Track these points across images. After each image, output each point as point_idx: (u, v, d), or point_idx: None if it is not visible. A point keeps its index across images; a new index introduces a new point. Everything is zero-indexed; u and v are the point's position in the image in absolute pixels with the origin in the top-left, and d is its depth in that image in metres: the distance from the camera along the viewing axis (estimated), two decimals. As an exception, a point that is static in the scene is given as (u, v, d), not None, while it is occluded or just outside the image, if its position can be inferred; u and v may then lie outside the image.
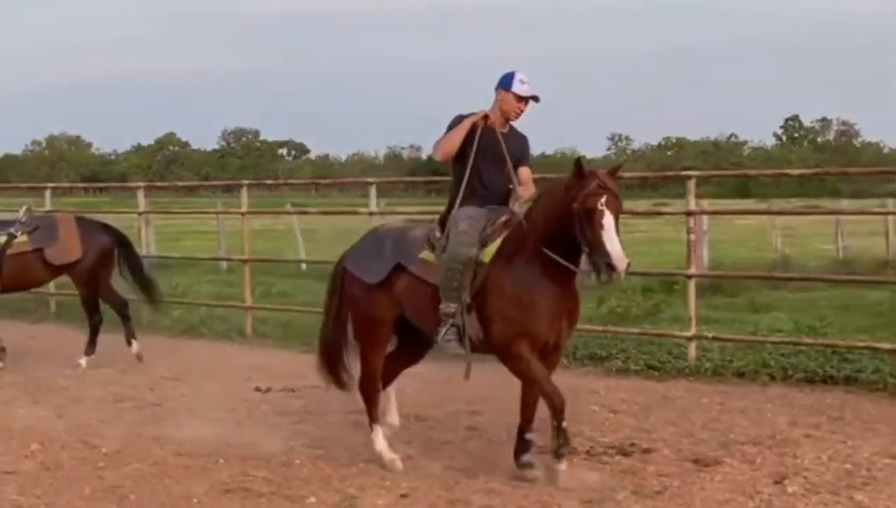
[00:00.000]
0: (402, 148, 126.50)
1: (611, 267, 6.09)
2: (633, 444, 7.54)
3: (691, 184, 10.67)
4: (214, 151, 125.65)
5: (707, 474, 6.82)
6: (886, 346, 9.69)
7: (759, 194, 59.18)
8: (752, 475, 6.76)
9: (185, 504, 6.55)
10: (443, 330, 6.78)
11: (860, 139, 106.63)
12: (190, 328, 13.87)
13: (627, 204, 6.64)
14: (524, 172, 7.08)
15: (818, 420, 8.17)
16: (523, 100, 6.99)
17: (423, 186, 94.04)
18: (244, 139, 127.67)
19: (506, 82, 7.00)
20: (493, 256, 6.69)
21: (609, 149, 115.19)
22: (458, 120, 7.01)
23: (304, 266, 20.45)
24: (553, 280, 6.49)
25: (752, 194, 59.59)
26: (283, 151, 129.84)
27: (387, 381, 7.52)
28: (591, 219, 6.16)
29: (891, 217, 22.44)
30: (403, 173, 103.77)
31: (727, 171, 55.44)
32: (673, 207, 18.37)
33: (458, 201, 6.96)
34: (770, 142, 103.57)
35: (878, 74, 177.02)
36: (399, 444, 7.55)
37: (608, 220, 6.15)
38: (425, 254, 6.99)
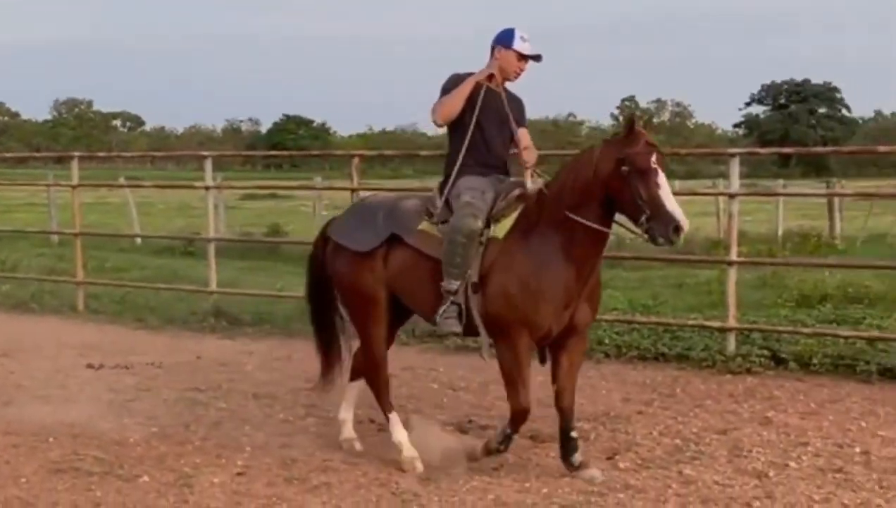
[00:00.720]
0: (241, 121, 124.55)
1: (677, 229, 5.65)
2: (471, 421, 7.60)
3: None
4: (46, 121, 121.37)
5: (542, 450, 6.90)
6: (716, 324, 9.99)
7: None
8: (586, 450, 6.88)
9: (13, 484, 6.33)
10: (443, 308, 6.22)
11: (693, 120, 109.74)
12: (20, 303, 13.46)
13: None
14: (525, 134, 6.61)
15: (650, 397, 8.37)
16: (524, 59, 6.49)
17: (261, 161, 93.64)
18: (77, 110, 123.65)
19: (506, 39, 6.47)
20: (507, 232, 6.18)
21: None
22: (456, 80, 6.44)
23: (138, 241, 20.08)
24: (574, 258, 5.97)
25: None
26: (118, 122, 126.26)
27: (355, 375, 7.04)
28: (647, 179, 5.68)
29: (721, 198, 23.16)
30: (242, 147, 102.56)
31: (562, 151, 56.39)
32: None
33: (457, 168, 6.40)
34: (607, 122, 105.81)
35: (708, 59, 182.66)
36: (237, 421, 7.45)
37: (663, 179, 5.72)
38: (425, 225, 6.43)
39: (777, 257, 16.78)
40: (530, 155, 6.51)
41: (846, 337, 9.62)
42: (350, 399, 7.06)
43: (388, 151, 54.97)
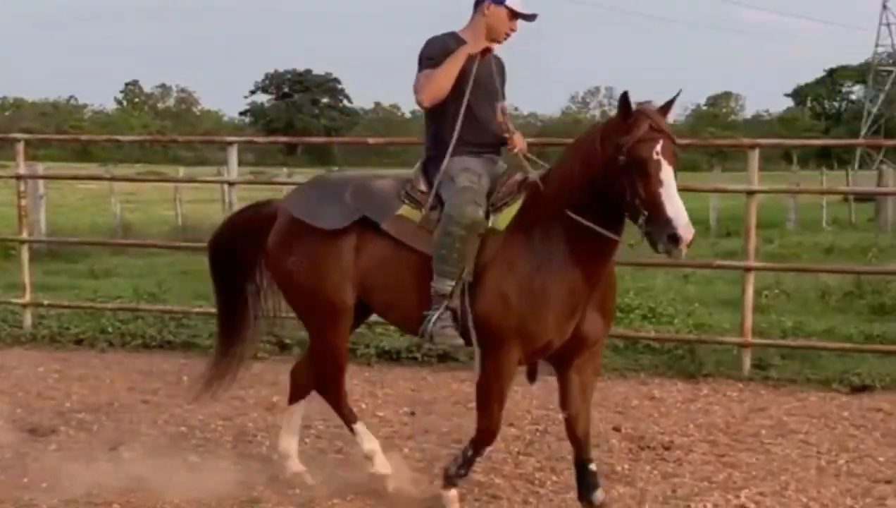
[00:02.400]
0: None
1: (674, 239, 4.59)
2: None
3: (20, 147, 10.37)
4: None
5: (42, 443, 6.64)
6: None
7: (101, 158, 58.53)
8: (88, 442, 6.69)
9: None
10: (435, 314, 5.15)
11: (200, 107, 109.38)
12: None
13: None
14: (504, 106, 5.62)
15: (156, 386, 8.28)
16: (516, 17, 5.48)
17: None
18: None
19: None
20: (509, 223, 5.19)
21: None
22: (441, 48, 5.38)
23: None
24: (580, 259, 4.99)
25: (95, 159, 58.82)
26: None
27: (299, 393, 6.05)
28: (646, 173, 4.65)
29: (227, 185, 23.31)
30: None
31: (62, 135, 54.03)
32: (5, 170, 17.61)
33: (450, 148, 5.37)
34: (111, 106, 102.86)
35: (213, 46, 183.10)
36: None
37: (667, 174, 4.67)
38: (404, 210, 5.38)
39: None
40: (521, 141, 5.54)
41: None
42: (293, 425, 6.05)
43: None
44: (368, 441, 5.81)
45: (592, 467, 5.40)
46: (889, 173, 26.42)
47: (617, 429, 7.08)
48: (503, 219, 5.18)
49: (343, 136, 73.47)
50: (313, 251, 5.45)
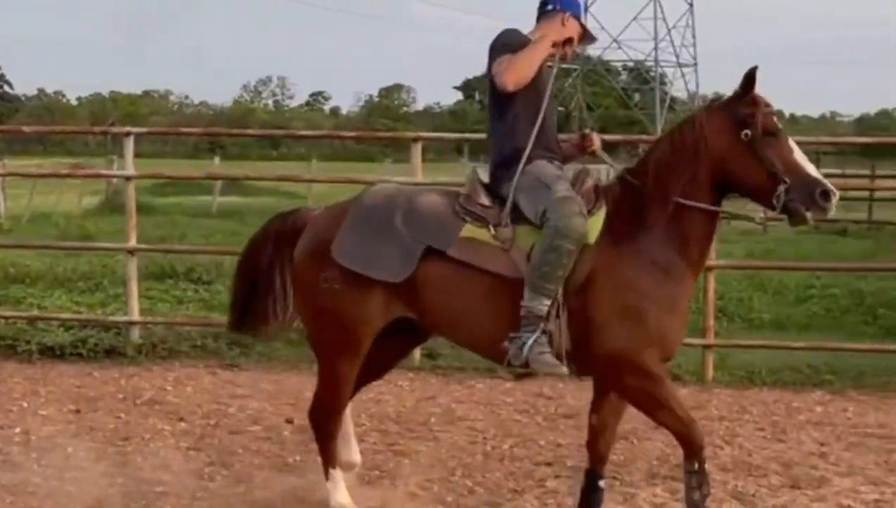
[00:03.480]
0: None
1: (827, 195, 4.59)
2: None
3: None
4: None
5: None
6: None
7: None
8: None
9: None
10: (531, 338, 4.63)
11: None
12: None
13: None
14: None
15: None
16: (581, 39, 5.18)
17: None
18: None
19: (576, 7, 5.12)
20: (599, 234, 4.76)
21: None
22: (519, 39, 4.97)
23: None
24: (691, 254, 4.80)
25: None
26: None
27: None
28: (779, 144, 4.66)
29: None
30: None
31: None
32: None
33: (526, 152, 4.88)
34: None
35: None
36: None
37: (793, 141, 4.76)
38: (469, 230, 4.83)
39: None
40: (597, 139, 5.22)
41: (7, 317, 9.55)
42: (351, 432, 5.46)
43: None
44: (339, 496, 5.29)
45: (602, 484, 5.20)
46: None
47: (290, 421, 7.08)
48: (593, 230, 4.77)
49: (3, 123, 69.32)
50: (355, 288, 4.91)
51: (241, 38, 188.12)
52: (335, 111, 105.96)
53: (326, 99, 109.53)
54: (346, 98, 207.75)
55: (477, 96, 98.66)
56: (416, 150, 8.94)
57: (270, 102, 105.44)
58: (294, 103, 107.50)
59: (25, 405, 7.40)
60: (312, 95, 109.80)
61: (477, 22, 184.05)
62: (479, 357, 8.60)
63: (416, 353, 8.80)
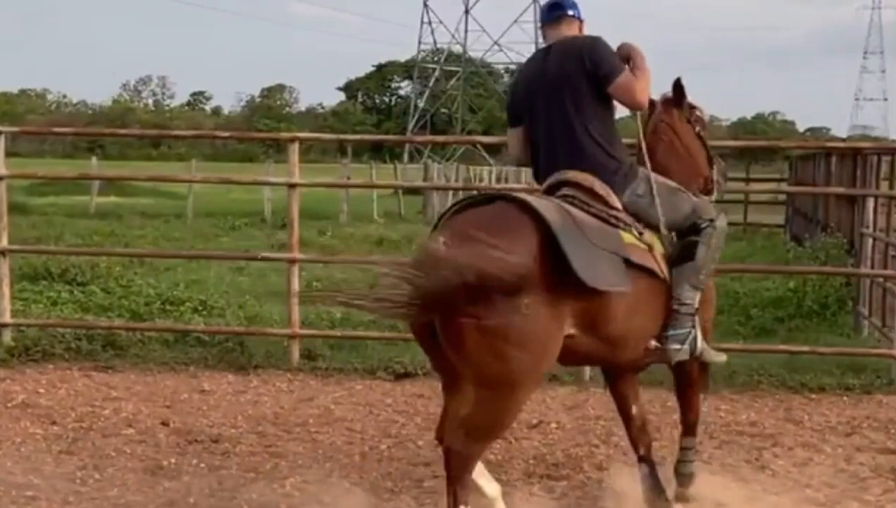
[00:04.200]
0: None
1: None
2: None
3: None
4: None
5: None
6: None
7: None
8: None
9: None
10: (693, 331, 5.06)
11: None
12: None
13: None
14: None
15: None
16: None
17: None
18: None
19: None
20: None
21: None
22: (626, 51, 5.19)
23: None
24: None
25: None
26: None
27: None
28: (705, 131, 5.68)
29: None
30: None
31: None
32: None
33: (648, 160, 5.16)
34: None
35: None
36: None
37: None
38: (626, 237, 4.82)
39: None
40: None
41: None
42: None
43: None
44: None
45: (656, 468, 5.48)
46: (434, 168, 27.92)
47: (165, 423, 6.98)
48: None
49: None
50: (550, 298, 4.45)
51: (121, 36, 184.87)
52: (217, 111, 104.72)
53: (208, 99, 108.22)
54: (228, 98, 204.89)
55: (360, 98, 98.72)
56: (294, 150, 8.89)
57: (150, 101, 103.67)
58: (175, 103, 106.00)
59: None
60: (193, 94, 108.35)
61: (355, 22, 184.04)
62: (358, 359, 8.76)
63: (295, 354, 8.76)
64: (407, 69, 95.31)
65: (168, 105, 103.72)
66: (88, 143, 58.05)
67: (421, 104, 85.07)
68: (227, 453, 6.45)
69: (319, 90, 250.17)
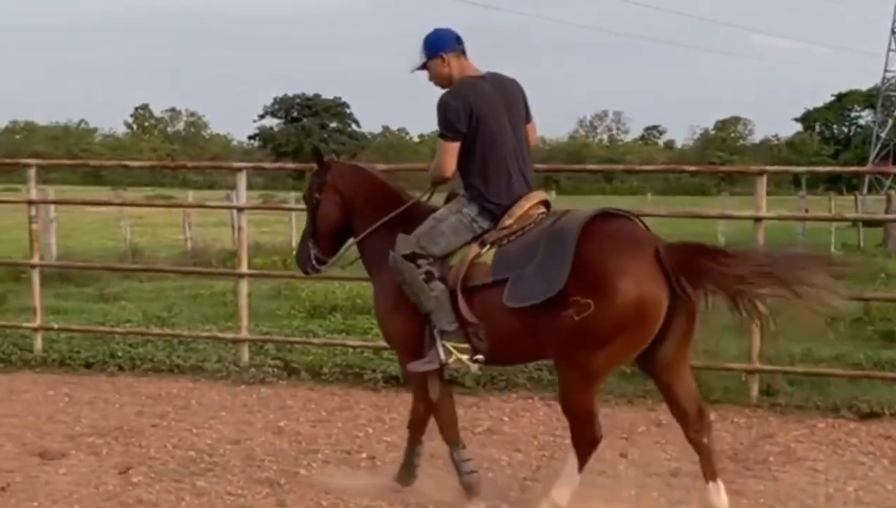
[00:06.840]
0: None
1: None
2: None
3: (32, 172, 10.42)
4: None
5: (52, 467, 6.67)
6: (229, 335, 10.10)
7: (111, 182, 58.81)
8: (98, 466, 6.72)
9: None
10: None
11: (209, 131, 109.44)
12: None
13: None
14: None
15: (165, 409, 8.30)
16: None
17: None
18: None
19: None
20: None
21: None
22: None
23: None
24: None
25: (106, 183, 59.12)
26: None
27: None
28: None
29: (236, 211, 23.48)
30: None
31: (72, 160, 54.21)
32: (17, 194, 17.75)
33: None
34: (121, 130, 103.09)
35: (226, 68, 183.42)
36: None
37: None
38: None
39: (291, 268, 17.23)
40: None
41: (355, 347, 10.05)
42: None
43: None
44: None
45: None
46: (896, 198, 26.31)
47: (623, 455, 7.07)
48: None
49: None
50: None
51: (579, 75, 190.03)
52: (669, 144, 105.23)
53: (661, 133, 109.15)
54: (682, 131, 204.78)
55: (817, 128, 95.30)
56: (761, 183, 8.75)
57: (605, 136, 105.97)
58: (629, 137, 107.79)
59: (371, 430, 7.73)
60: (647, 128, 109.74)
61: (818, 52, 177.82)
62: (819, 397, 8.42)
63: (754, 389, 8.57)
64: (868, 98, 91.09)
65: (622, 140, 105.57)
66: (545, 178, 60.22)
67: (883, 134, 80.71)
68: (686, 488, 6.41)
69: (774, 121, 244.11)
